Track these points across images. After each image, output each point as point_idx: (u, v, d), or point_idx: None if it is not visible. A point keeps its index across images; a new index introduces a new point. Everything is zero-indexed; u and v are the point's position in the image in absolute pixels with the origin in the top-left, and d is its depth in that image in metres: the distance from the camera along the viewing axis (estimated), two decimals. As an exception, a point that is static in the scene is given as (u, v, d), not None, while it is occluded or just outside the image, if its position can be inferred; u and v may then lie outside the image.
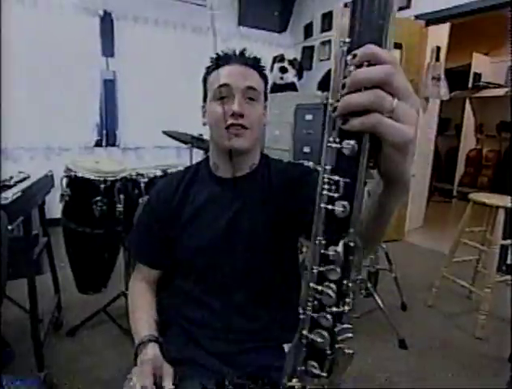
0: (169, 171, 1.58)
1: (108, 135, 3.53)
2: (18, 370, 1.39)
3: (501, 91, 4.98)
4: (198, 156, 2.12)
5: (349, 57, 0.31)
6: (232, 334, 0.76)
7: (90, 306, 1.81)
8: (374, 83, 0.30)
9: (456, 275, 2.12)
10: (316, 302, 0.37)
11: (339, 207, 0.33)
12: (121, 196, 1.51)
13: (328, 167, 0.34)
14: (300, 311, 0.38)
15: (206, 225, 0.79)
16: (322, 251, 0.35)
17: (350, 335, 0.36)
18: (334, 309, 0.36)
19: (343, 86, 0.32)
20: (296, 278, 0.89)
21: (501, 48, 4.87)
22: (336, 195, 0.34)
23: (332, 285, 0.35)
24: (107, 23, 3.31)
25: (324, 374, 0.37)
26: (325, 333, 0.36)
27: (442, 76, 3.43)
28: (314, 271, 0.36)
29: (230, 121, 0.74)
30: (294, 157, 3.35)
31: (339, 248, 0.34)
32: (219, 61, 0.78)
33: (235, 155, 0.78)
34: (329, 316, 0.36)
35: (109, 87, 3.45)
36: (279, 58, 3.88)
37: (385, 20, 0.31)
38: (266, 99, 0.84)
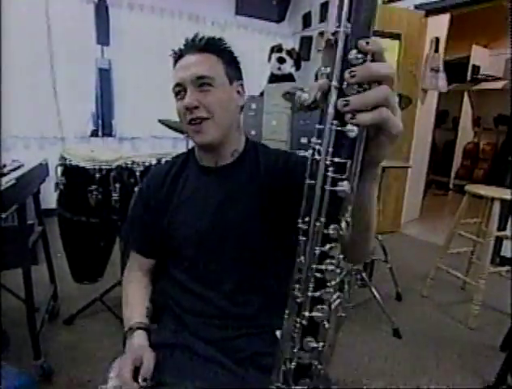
0: (164, 160, 1.57)
1: (104, 125, 3.49)
2: (14, 359, 1.39)
3: (499, 84, 4.97)
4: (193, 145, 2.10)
5: (348, 74, 0.33)
6: (223, 320, 0.76)
7: (86, 295, 1.82)
8: (378, 104, 0.34)
9: (451, 266, 2.14)
10: (316, 281, 0.38)
11: (342, 188, 0.35)
12: (117, 185, 1.49)
13: (330, 149, 0.35)
14: (298, 295, 0.39)
15: (194, 214, 0.79)
16: (325, 231, 0.36)
17: (341, 299, 0.39)
18: (334, 281, 0.38)
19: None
20: (290, 265, 0.89)
21: (501, 40, 4.84)
22: (340, 176, 0.35)
23: (334, 261, 0.37)
24: (102, 10, 3.25)
25: (321, 344, 0.39)
26: (325, 307, 0.38)
27: (441, 68, 3.41)
28: (317, 251, 0.37)
29: (188, 116, 0.73)
30: (291, 148, 3.33)
31: (344, 225, 0.36)
32: (176, 56, 0.77)
33: (207, 148, 0.78)
34: (331, 290, 0.38)
35: (105, 76, 3.40)
36: (277, 48, 3.83)
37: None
38: (237, 78, 0.79)
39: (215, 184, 0.80)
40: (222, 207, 0.77)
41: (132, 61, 3.46)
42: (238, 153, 0.81)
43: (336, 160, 0.35)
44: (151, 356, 0.69)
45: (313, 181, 0.36)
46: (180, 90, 0.74)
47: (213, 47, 0.76)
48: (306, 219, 0.37)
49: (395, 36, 3.04)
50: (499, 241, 2.59)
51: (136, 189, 1.44)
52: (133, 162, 1.52)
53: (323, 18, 3.89)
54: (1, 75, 2.16)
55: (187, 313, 0.78)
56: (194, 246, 0.78)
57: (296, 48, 4.12)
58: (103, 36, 3.28)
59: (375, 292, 1.90)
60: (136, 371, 0.66)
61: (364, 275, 1.98)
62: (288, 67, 3.80)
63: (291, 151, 0.90)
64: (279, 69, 3.78)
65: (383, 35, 3.02)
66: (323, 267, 0.37)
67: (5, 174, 1.24)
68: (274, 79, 3.80)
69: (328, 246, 0.37)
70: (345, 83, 0.34)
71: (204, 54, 0.75)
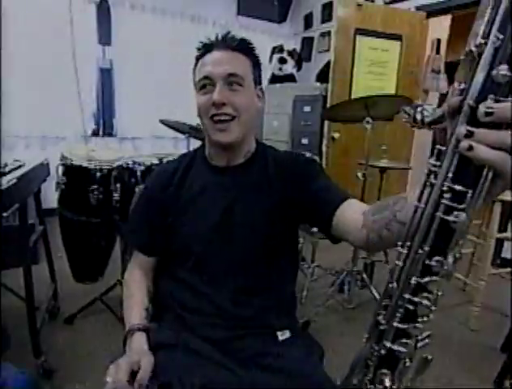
0: (165, 160, 1.57)
1: (105, 125, 3.50)
2: (14, 358, 1.39)
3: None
4: (195, 146, 2.08)
5: (483, 109, 0.29)
6: (225, 320, 0.76)
7: (86, 295, 1.81)
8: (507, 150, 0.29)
9: (451, 268, 2.14)
10: (406, 313, 0.35)
11: (457, 219, 0.31)
12: (118, 185, 1.50)
13: (450, 174, 0.31)
14: (382, 322, 0.36)
15: (202, 213, 0.79)
16: (427, 262, 0.33)
17: (429, 340, 0.36)
18: (426, 318, 0.35)
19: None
20: (293, 266, 0.89)
21: (502, 41, 4.85)
22: (457, 206, 0.31)
23: (431, 296, 0.34)
24: (103, 10, 3.25)
25: (396, 386, 0.36)
26: (411, 342, 0.35)
27: (442, 69, 3.41)
28: (412, 281, 0.34)
29: (212, 111, 0.73)
30: (292, 149, 3.33)
31: (450, 260, 0.33)
32: (203, 49, 0.77)
33: (226, 147, 0.78)
34: (420, 325, 0.35)
35: (106, 76, 3.41)
36: (279, 49, 3.83)
37: None
38: (259, 82, 0.81)
39: (225, 183, 0.80)
40: (230, 207, 0.78)
41: (133, 61, 3.46)
42: (251, 153, 0.82)
43: (455, 187, 0.31)
44: (149, 361, 0.68)
45: (422, 205, 0.33)
46: (207, 83, 0.73)
47: (244, 48, 0.77)
48: (408, 244, 0.34)
49: (397, 37, 3.05)
50: (500, 242, 2.58)
51: (137, 189, 1.45)
52: (134, 162, 1.53)
53: (325, 19, 3.89)
54: (1, 75, 2.16)
55: (189, 312, 0.78)
56: (201, 244, 0.79)
57: (298, 48, 4.12)
58: (104, 36, 3.29)
59: (375, 294, 1.90)
60: (134, 375, 0.65)
61: (364, 276, 1.98)
62: (289, 68, 3.81)
63: (298, 151, 0.91)
64: (281, 69, 3.79)
65: (384, 36, 3.03)
66: (417, 299, 0.34)
67: (6, 173, 1.24)
68: (275, 79, 3.81)
69: (427, 279, 0.33)
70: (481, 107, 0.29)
71: (235, 53, 0.75)
